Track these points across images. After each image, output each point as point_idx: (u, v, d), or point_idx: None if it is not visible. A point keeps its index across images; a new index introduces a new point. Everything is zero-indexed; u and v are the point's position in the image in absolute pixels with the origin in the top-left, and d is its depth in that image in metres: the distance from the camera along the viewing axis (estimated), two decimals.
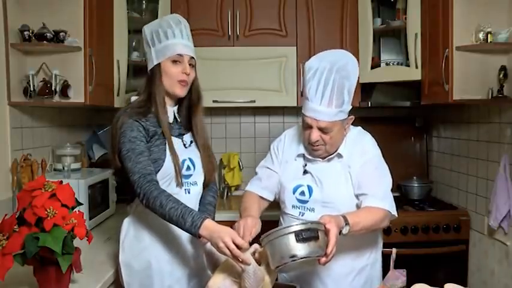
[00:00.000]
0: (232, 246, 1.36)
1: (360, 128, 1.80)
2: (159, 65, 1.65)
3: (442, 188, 3.02)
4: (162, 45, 1.64)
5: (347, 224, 1.48)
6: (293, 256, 1.35)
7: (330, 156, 1.70)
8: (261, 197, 1.83)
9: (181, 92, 1.67)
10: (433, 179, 3.14)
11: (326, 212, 1.55)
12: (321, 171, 1.70)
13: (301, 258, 1.35)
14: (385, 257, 1.73)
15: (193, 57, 1.68)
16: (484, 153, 2.50)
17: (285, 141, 1.84)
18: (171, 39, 1.64)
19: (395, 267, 1.63)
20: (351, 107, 1.65)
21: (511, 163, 2.23)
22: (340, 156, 1.70)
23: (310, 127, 1.63)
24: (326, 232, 1.40)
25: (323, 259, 1.39)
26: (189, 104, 1.74)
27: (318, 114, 1.59)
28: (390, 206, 1.64)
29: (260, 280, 1.41)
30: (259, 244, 1.47)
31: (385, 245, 1.99)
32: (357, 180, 1.66)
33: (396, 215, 1.69)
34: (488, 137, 2.47)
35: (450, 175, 2.90)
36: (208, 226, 1.42)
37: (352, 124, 1.74)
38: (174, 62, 1.64)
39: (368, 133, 1.79)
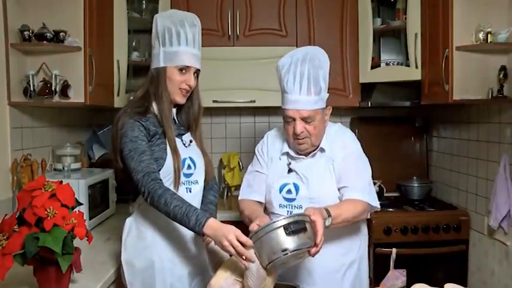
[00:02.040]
0: (237, 243, 1.37)
1: (339, 124, 1.86)
2: (164, 68, 1.64)
3: (442, 188, 3.02)
4: (173, 51, 1.62)
5: (329, 215, 1.51)
6: (285, 250, 1.35)
7: (314, 152, 1.74)
8: (257, 202, 1.83)
9: (181, 99, 1.68)
10: (433, 179, 3.14)
11: None
12: (305, 168, 1.73)
13: (293, 250, 1.36)
14: (385, 257, 1.74)
15: (199, 69, 1.69)
16: (484, 153, 2.50)
17: (267, 142, 1.87)
18: (183, 47, 1.62)
19: (395, 267, 1.63)
20: (327, 95, 1.71)
21: (511, 163, 2.23)
22: (322, 150, 1.74)
23: (293, 120, 1.67)
24: (312, 223, 1.43)
25: (313, 250, 1.41)
26: (189, 111, 1.75)
27: (299, 104, 1.64)
28: (370, 198, 1.68)
29: (263, 279, 1.41)
30: None
31: (385, 245, 1.99)
32: (338, 173, 1.70)
33: (378, 207, 1.72)
34: (488, 137, 2.47)
35: (450, 175, 2.90)
36: (212, 225, 1.43)
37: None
38: (181, 70, 1.64)
39: (348, 128, 1.84)
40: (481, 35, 2.21)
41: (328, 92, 1.72)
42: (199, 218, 1.44)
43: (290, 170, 1.76)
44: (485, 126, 2.49)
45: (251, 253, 1.38)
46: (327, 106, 1.73)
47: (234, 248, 1.37)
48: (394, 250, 1.68)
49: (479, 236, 2.54)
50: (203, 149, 1.79)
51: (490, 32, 2.19)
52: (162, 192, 1.49)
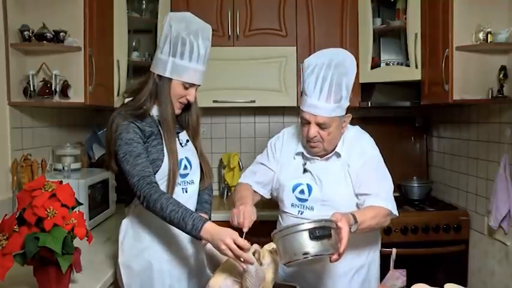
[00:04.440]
0: (234, 247, 1.36)
1: (357, 127, 1.81)
2: (170, 79, 1.61)
3: (442, 188, 3.02)
4: (183, 65, 1.59)
5: (356, 222, 1.49)
6: (306, 253, 1.35)
7: (329, 155, 1.71)
8: (254, 191, 1.83)
9: (177, 110, 1.67)
10: (433, 179, 3.14)
11: (325, 210, 1.58)
12: (320, 170, 1.71)
13: (314, 255, 1.36)
14: (385, 257, 1.73)
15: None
16: (484, 153, 2.50)
17: (283, 139, 1.85)
18: (193, 63, 1.60)
19: (395, 267, 1.63)
20: (348, 103, 1.66)
21: (511, 163, 2.23)
22: (338, 155, 1.71)
23: (309, 123, 1.64)
24: (338, 230, 1.41)
25: (334, 257, 1.40)
26: (187, 119, 1.74)
27: (316, 110, 1.61)
28: (392, 206, 1.66)
29: (261, 279, 1.41)
30: (258, 244, 1.48)
31: (385, 245, 1.98)
32: (358, 179, 1.67)
33: (397, 214, 1.70)
34: (488, 137, 2.47)
35: (450, 175, 2.90)
36: (209, 229, 1.42)
37: (350, 123, 1.75)
38: (185, 85, 1.63)
39: (366, 133, 1.80)
40: (481, 35, 2.21)
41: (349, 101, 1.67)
42: (195, 223, 1.43)
43: (305, 170, 1.74)
44: (485, 126, 2.49)
45: (249, 255, 1.38)
46: (346, 113, 1.68)
47: (231, 251, 1.37)
48: (394, 250, 1.67)
49: (479, 236, 2.54)
50: (204, 156, 1.78)
51: (490, 32, 2.18)
52: (158, 196, 1.48)
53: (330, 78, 1.58)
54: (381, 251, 1.86)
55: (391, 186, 1.72)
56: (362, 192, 1.66)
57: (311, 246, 1.35)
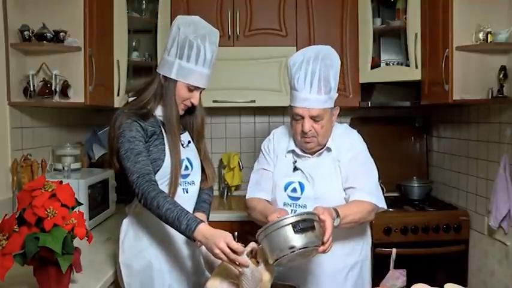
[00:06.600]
0: (228, 251, 1.35)
1: (346, 125, 1.87)
2: (175, 81, 1.61)
3: (442, 188, 3.02)
4: (189, 68, 1.60)
5: (338, 216, 1.51)
6: (292, 247, 1.36)
7: (320, 151, 1.74)
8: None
9: (181, 112, 1.68)
10: (433, 179, 3.14)
11: None
12: (311, 167, 1.73)
13: (300, 248, 1.36)
14: (385, 257, 1.74)
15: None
16: (484, 153, 2.50)
17: (273, 139, 1.88)
18: (199, 66, 1.61)
19: (395, 267, 1.63)
20: (337, 94, 1.71)
21: (511, 163, 2.23)
22: (329, 150, 1.74)
23: (302, 118, 1.67)
24: (321, 223, 1.43)
25: (321, 248, 1.41)
26: (191, 122, 1.74)
27: (309, 103, 1.64)
28: (377, 199, 1.68)
29: (258, 281, 1.40)
30: (256, 242, 1.47)
31: (385, 245, 1.99)
32: (345, 173, 1.70)
33: (385, 207, 1.73)
34: (488, 137, 2.47)
35: (450, 175, 2.90)
36: (203, 230, 1.41)
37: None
38: (189, 88, 1.63)
39: (354, 130, 1.84)
40: (481, 35, 2.21)
41: (337, 92, 1.72)
42: (189, 223, 1.42)
43: (295, 169, 1.75)
44: (485, 126, 2.49)
45: (244, 258, 1.37)
46: (334, 106, 1.72)
47: (225, 255, 1.36)
48: (394, 250, 1.68)
49: (479, 236, 2.54)
50: (208, 159, 1.78)
51: (490, 32, 2.19)
52: (155, 194, 1.48)
53: (318, 70, 1.63)
54: (379, 251, 1.86)
55: (376, 180, 1.74)
56: (348, 186, 1.69)
57: (296, 240, 1.36)
